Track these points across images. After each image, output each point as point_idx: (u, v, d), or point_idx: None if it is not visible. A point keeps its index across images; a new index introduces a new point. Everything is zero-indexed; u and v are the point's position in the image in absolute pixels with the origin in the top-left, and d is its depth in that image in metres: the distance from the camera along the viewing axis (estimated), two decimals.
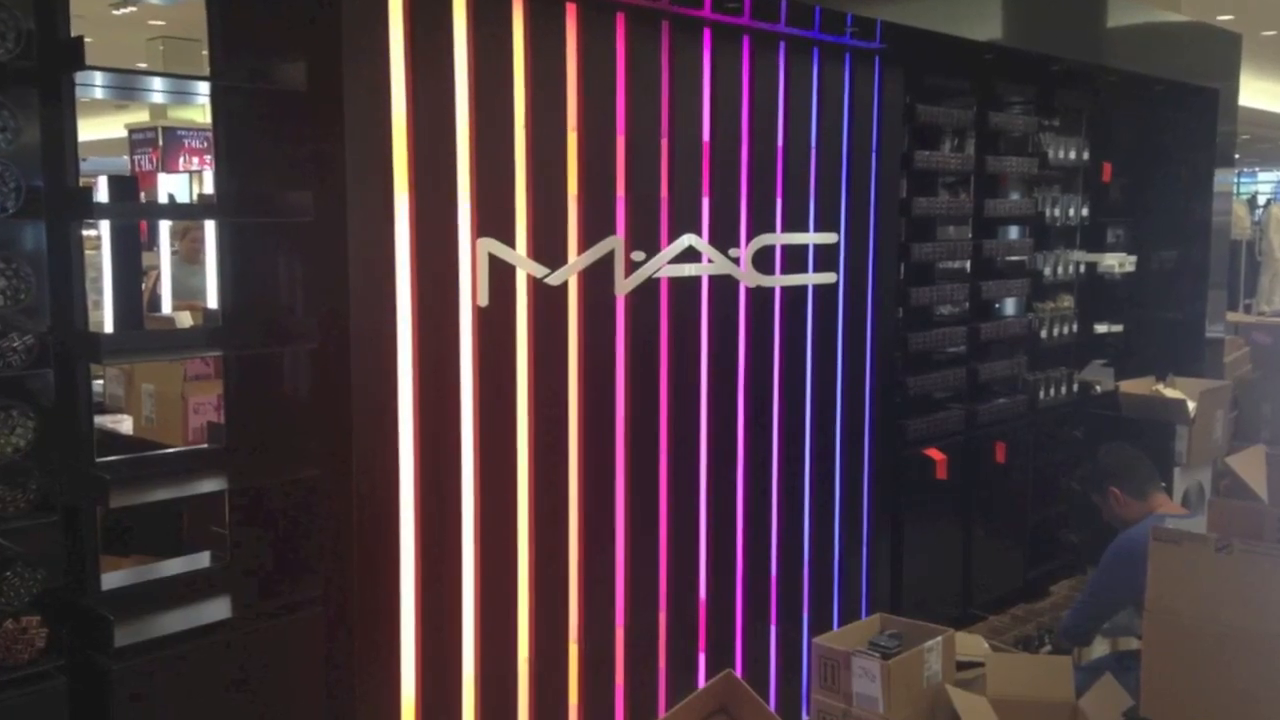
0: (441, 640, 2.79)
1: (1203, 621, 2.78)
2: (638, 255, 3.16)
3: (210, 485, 2.57)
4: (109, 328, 3.26)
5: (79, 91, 2.35)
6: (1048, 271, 5.12)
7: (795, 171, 3.66)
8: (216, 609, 2.55)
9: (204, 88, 2.74)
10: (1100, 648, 4.12)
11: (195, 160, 10.88)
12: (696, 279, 3.37)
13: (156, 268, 5.92)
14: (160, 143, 10.86)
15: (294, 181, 2.60)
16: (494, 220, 2.82)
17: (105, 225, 3.91)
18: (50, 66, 2.28)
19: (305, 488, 2.62)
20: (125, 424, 4.11)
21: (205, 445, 2.80)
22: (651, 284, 3.23)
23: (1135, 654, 3.34)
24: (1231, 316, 7.29)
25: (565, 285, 3.00)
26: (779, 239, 3.60)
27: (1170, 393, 5.04)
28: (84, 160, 2.83)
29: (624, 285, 3.14)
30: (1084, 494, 4.04)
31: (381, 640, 2.67)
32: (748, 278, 3.51)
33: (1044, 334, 5.01)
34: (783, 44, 3.57)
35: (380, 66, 2.57)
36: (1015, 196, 4.88)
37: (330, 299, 2.56)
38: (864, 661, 2.93)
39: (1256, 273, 11.12)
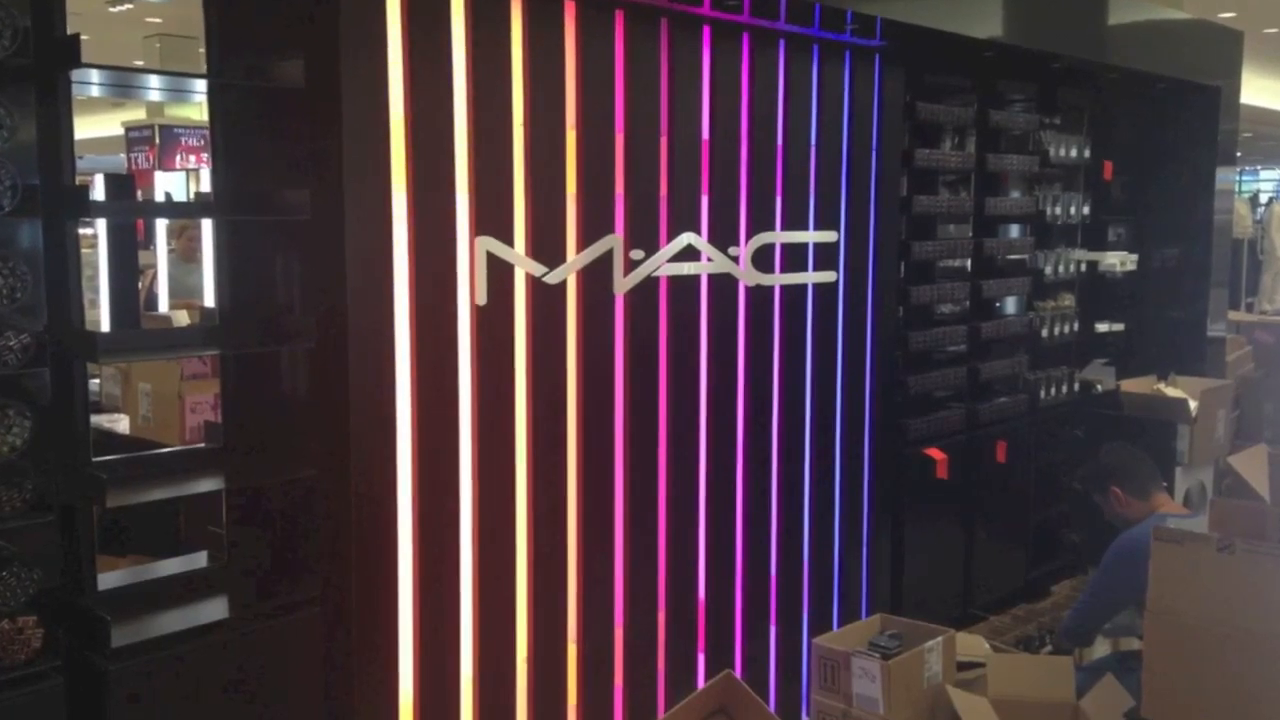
0: (440, 640, 2.78)
1: (1205, 622, 2.77)
2: (637, 254, 3.15)
3: (207, 485, 2.56)
4: (105, 326, 3.24)
5: (75, 89, 2.34)
6: (1049, 270, 5.10)
7: (795, 170, 3.65)
8: (214, 609, 2.54)
9: (201, 85, 2.74)
10: (1102, 648, 4.11)
11: (192, 158, 10.86)
12: (696, 278, 3.35)
13: (153, 266, 5.91)
14: (157, 141, 10.84)
15: (291, 180, 2.59)
16: (492, 218, 2.81)
17: (102, 223, 3.88)
18: (46, 64, 2.27)
19: (303, 487, 2.61)
20: (122, 423, 4.09)
21: (202, 444, 2.79)
22: (650, 283, 3.22)
23: (1137, 654, 3.33)
24: (1233, 315, 7.28)
25: (564, 284, 2.99)
26: (779, 237, 3.59)
27: (1172, 392, 5.03)
28: (80, 158, 2.81)
29: (623, 284, 3.13)
30: (1085, 494, 4.02)
31: (380, 640, 2.66)
32: (747, 276, 3.50)
33: (1045, 333, 5.00)
34: (782, 41, 3.56)
35: (378, 64, 2.56)
36: (1016, 195, 4.87)
37: (328, 297, 2.55)
38: (864, 662, 2.93)
39: (1258, 271, 11.11)
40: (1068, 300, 5.31)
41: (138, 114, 11.77)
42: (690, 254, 3.32)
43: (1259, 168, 25.28)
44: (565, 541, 3.07)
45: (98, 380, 4.28)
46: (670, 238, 3.25)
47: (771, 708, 3.63)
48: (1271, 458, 3.94)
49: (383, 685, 2.67)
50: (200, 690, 2.41)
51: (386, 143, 2.59)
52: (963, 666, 3.15)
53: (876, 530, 4.10)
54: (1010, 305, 4.99)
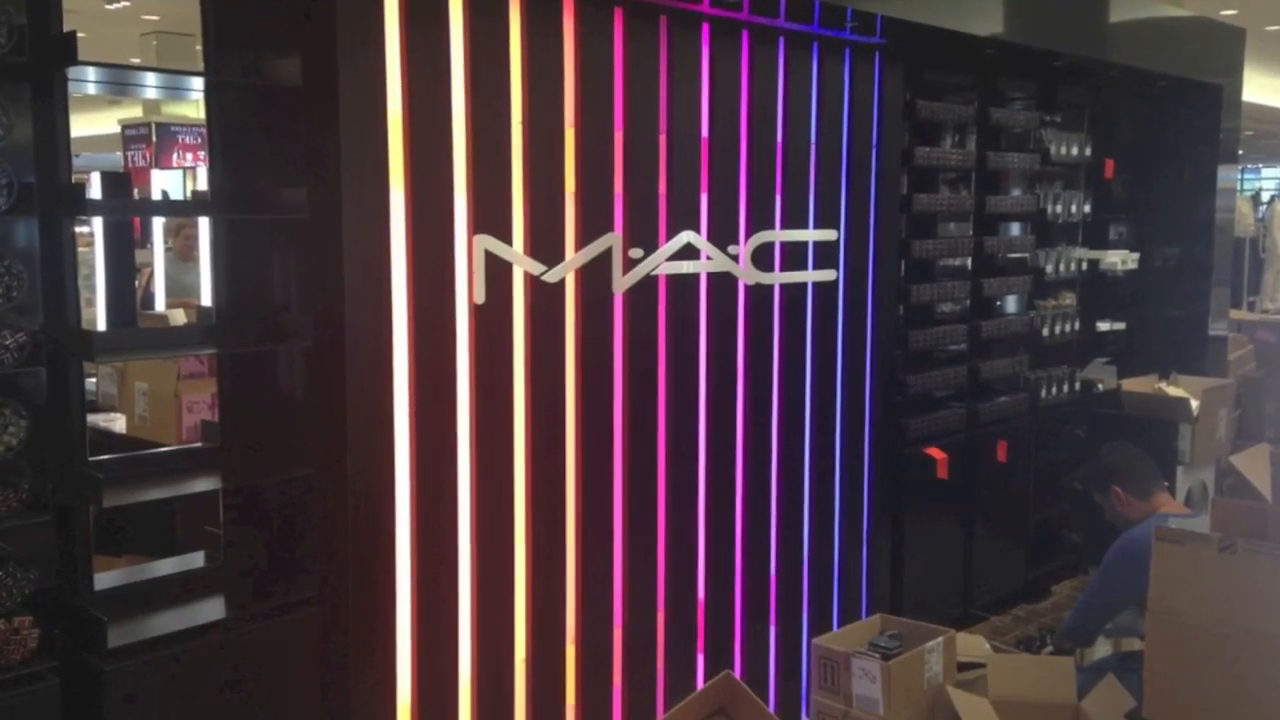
0: (438, 641, 2.77)
1: (1206, 622, 2.76)
2: (636, 252, 3.14)
3: (204, 484, 2.56)
4: (102, 325, 3.24)
5: (72, 87, 2.34)
6: (1049, 269, 5.09)
7: (795, 168, 3.64)
8: (210, 609, 2.53)
9: (198, 83, 2.73)
10: (1103, 648, 4.10)
11: (189, 156, 10.83)
12: (695, 276, 3.34)
13: (150, 265, 5.91)
14: (154, 139, 10.80)
15: (289, 178, 2.58)
16: (490, 217, 2.80)
17: (98, 222, 3.88)
18: (43, 62, 2.27)
19: (300, 487, 2.60)
20: (118, 423, 4.09)
21: (199, 444, 2.79)
22: (650, 281, 3.20)
23: (1138, 655, 3.32)
24: (1235, 314, 7.27)
25: (562, 283, 2.98)
26: (778, 236, 3.58)
27: (1173, 391, 5.01)
28: (77, 156, 2.81)
29: (622, 283, 3.12)
30: (1086, 493, 4.01)
31: (377, 641, 2.65)
32: (747, 275, 3.49)
33: (1046, 332, 4.99)
34: (782, 39, 3.55)
35: (376, 61, 2.55)
36: (1017, 193, 4.86)
37: (325, 296, 2.55)
38: (864, 662, 2.92)
39: (1260, 270, 11.09)
40: (1068, 299, 5.30)
41: (134, 112, 11.75)
42: (689, 252, 3.31)
43: (1260, 166, 25.27)
44: (564, 541, 3.06)
45: (94, 379, 4.27)
46: (669, 236, 3.24)
47: (771, 708, 3.62)
48: (1273, 457, 3.93)
49: (380, 686, 2.66)
50: (197, 691, 2.40)
51: (384, 141, 2.58)
52: (963, 667, 3.14)
53: (876, 530, 4.09)
54: (1011, 304, 4.98)
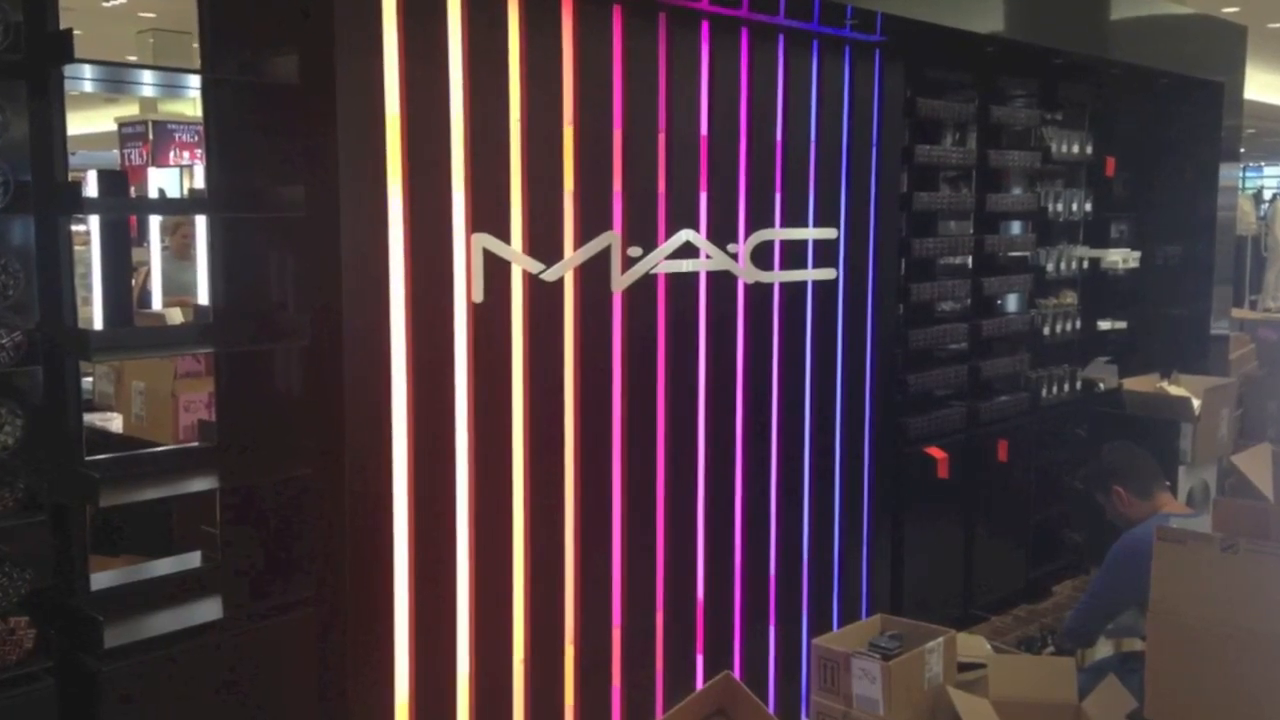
0: (435, 641, 2.76)
1: (1208, 622, 2.75)
2: (635, 251, 3.13)
3: (201, 484, 2.55)
4: (98, 324, 3.24)
5: (68, 85, 2.33)
6: (1050, 267, 5.08)
7: (794, 166, 3.63)
8: (207, 609, 2.53)
9: (194, 81, 2.72)
10: (1104, 649, 4.09)
11: (186, 155, 10.82)
12: (694, 275, 3.33)
13: (147, 263, 5.90)
14: (150, 137, 10.79)
15: (286, 176, 2.57)
16: (489, 215, 2.79)
17: (95, 220, 3.88)
18: (39, 59, 2.26)
19: (297, 486, 2.60)
20: (115, 422, 4.08)
21: (196, 443, 2.78)
22: (649, 280, 3.19)
23: (1139, 655, 3.31)
24: (1237, 313, 7.26)
25: (561, 281, 2.97)
26: (778, 234, 3.57)
27: (1175, 390, 5.00)
28: (73, 154, 2.81)
29: (621, 281, 3.11)
30: (1087, 493, 4.00)
31: (375, 641, 2.64)
32: (746, 274, 3.48)
33: (1046, 331, 4.98)
34: (782, 37, 3.54)
35: (373, 59, 2.54)
36: (1017, 191, 4.85)
37: (323, 295, 2.54)
38: (864, 663, 2.91)
39: (1262, 268, 11.07)
40: (1069, 298, 5.29)
41: (131, 110, 11.76)
42: (689, 251, 3.30)
43: (1262, 164, 25.24)
44: (562, 540, 3.05)
45: (90, 378, 4.26)
46: (668, 235, 3.23)
47: (771, 709, 3.61)
48: (1275, 456, 3.92)
49: (378, 686, 2.65)
50: (193, 691, 2.39)
51: (382, 139, 2.57)
52: (964, 667, 3.13)
53: (876, 530, 4.08)
54: (1011, 303, 4.98)
